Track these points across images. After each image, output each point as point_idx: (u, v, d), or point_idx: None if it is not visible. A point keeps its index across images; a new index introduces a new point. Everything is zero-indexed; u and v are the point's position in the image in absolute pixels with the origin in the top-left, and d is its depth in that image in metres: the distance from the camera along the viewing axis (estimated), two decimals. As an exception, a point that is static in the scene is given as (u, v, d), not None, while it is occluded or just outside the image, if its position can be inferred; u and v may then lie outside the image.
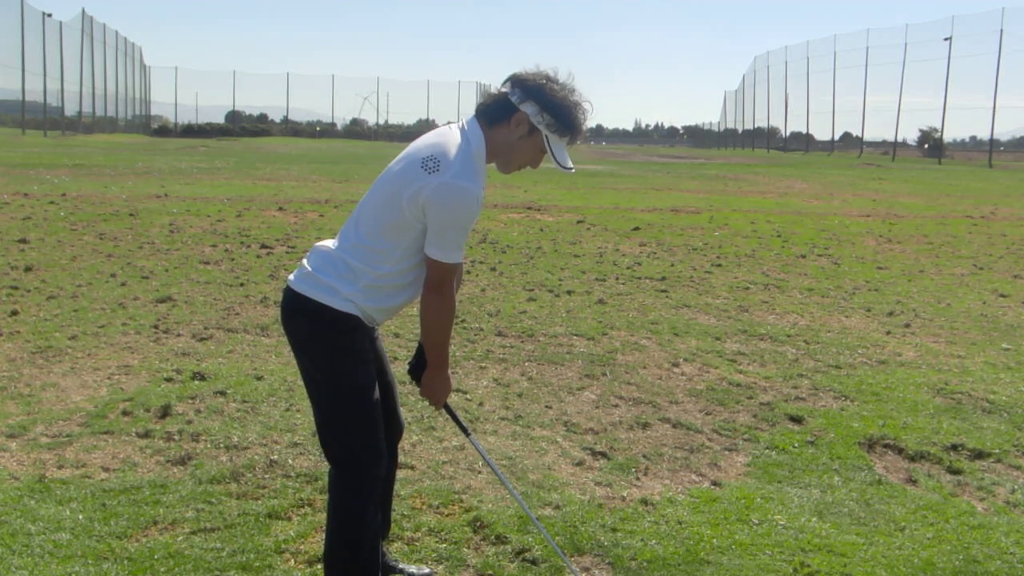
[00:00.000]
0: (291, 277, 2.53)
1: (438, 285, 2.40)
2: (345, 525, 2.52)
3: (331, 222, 11.74)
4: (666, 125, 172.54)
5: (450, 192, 2.31)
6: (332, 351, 2.45)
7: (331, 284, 2.43)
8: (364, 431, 2.48)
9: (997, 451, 4.18)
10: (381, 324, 2.63)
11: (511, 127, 2.43)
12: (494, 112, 2.44)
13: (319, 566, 2.88)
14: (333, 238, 2.55)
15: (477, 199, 2.35)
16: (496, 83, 2.53)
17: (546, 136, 2.43)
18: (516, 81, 2.44)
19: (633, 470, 3.82)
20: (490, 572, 2.91)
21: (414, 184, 2.33)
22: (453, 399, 4.63)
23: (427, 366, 2.54)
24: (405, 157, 2.44)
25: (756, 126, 78.39)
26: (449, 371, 2.57)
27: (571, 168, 2.48)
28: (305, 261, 2.53)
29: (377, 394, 2.53)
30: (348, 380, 2.46)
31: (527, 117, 2.41)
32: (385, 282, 2.44)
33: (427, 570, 2.90)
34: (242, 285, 7.51)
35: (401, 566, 2.87)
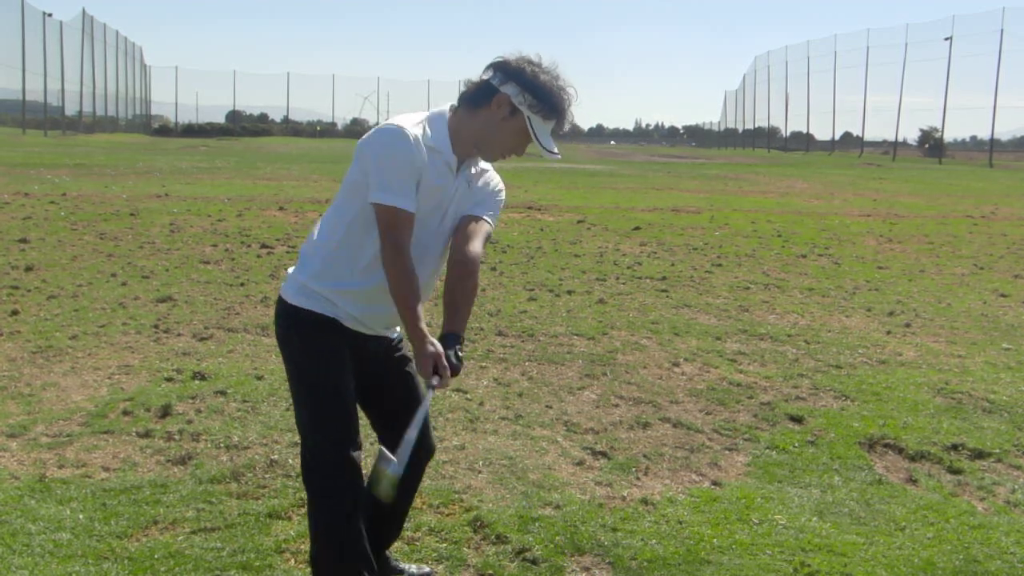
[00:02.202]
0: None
1: (386, 235, 2.31)
2: (320, 529, 2.50)
3: (331, 222, 11.72)
4: (666, 125, 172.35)
5: (382, 131, 2.34)
6: (294, 347, 2.49)
7: (293, 275, 2.49)
8: (324, 431, 2.45)
9: (997, 451, 4.18)
10: (362, 322, 2.50)
11: (492, 109, 2.39)
12: (476, 97, 2.41)
13: (319, 566, 2.88)
14: None
15: (411, 137, 2.30)
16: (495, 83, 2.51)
17: (528, 118, 2.38)
18: (497, 65, 2.41)
19: (633, 470, 3.82)
20: (490, 572, 2.91)
21: (361, 140, 2.39)
22: (453, 398, 4.63)
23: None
24: None
25: (756, 126, 78.42)
26: (428, 345, 2.30)
27: (556, 153, 2.41)
28: None
29: (347, 394, 2.46)
30: (308, 377, 2.46)
31: (508, 98, 2.36)
32: (338, 254, 2.43)
33: (427, 569, 2.89)
34: (242, 285, 7.51)
35: (402, 566, 2.87)
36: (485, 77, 2.41)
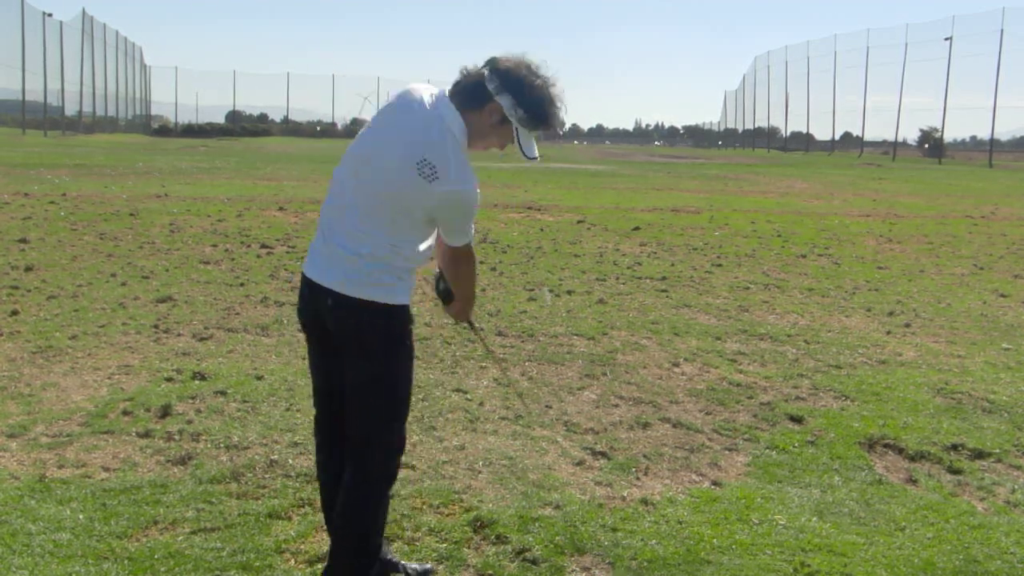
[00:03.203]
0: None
1: (469, 254, 2.60)
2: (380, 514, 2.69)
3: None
4: (666, 125, 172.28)
5: (457, 197, 2.40)
6: (404, 347, 2.65)
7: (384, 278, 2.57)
8: (403, 421, 2.70)
9: (997, 451, 4.18)
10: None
11: (484, 115, 2.42)
12: (469, 97, 2.42)
13: (319, 566, 2.88)
14: None
15: (477, 194, 2.45)
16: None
17: (516, 128, 2.42)
18: (495, 70, 2.40)
19: (633, 470, 3.82)
20: (490, 572, 2.91)
21: (417, 192, 2.38)
22: (453, 399, 4.63)
23: (455, 301, 2.75)
24: (391, 150, 2.41)
25: (756, 126, 78.39)
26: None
27: (536, 158, 2.49)
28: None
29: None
30: (405, 377, 2.67)
31: (501, 108, 2.39)
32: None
33: (428, 566, 2.91)
34: (242, 285, 7.51)
35: (402, 564, 2.87)
36: (483, 72, 2.42)
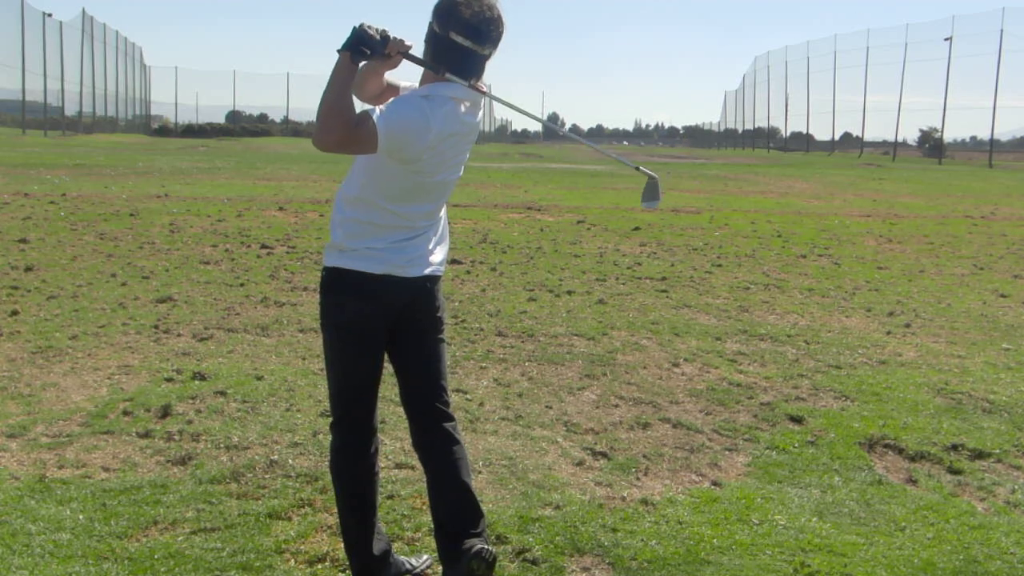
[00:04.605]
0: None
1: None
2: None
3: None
4: (666, 125, 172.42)
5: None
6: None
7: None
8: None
9: (997, 451, 4.18)
10: None
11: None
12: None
13: (319, 566, 2.89)
14: None
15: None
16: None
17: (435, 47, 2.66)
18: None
19: (633, 470, 3.82)
20: (490, 572, 2.91)
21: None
22: (453, 398, 4.63)
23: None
24: None
25: (756, 126, 78.34)
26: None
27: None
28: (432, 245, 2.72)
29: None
30: None
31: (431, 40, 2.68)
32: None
33: (425, 557, 2.94)
34: (242, 285, 7.52)
35: (401, 558, 2.88)
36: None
